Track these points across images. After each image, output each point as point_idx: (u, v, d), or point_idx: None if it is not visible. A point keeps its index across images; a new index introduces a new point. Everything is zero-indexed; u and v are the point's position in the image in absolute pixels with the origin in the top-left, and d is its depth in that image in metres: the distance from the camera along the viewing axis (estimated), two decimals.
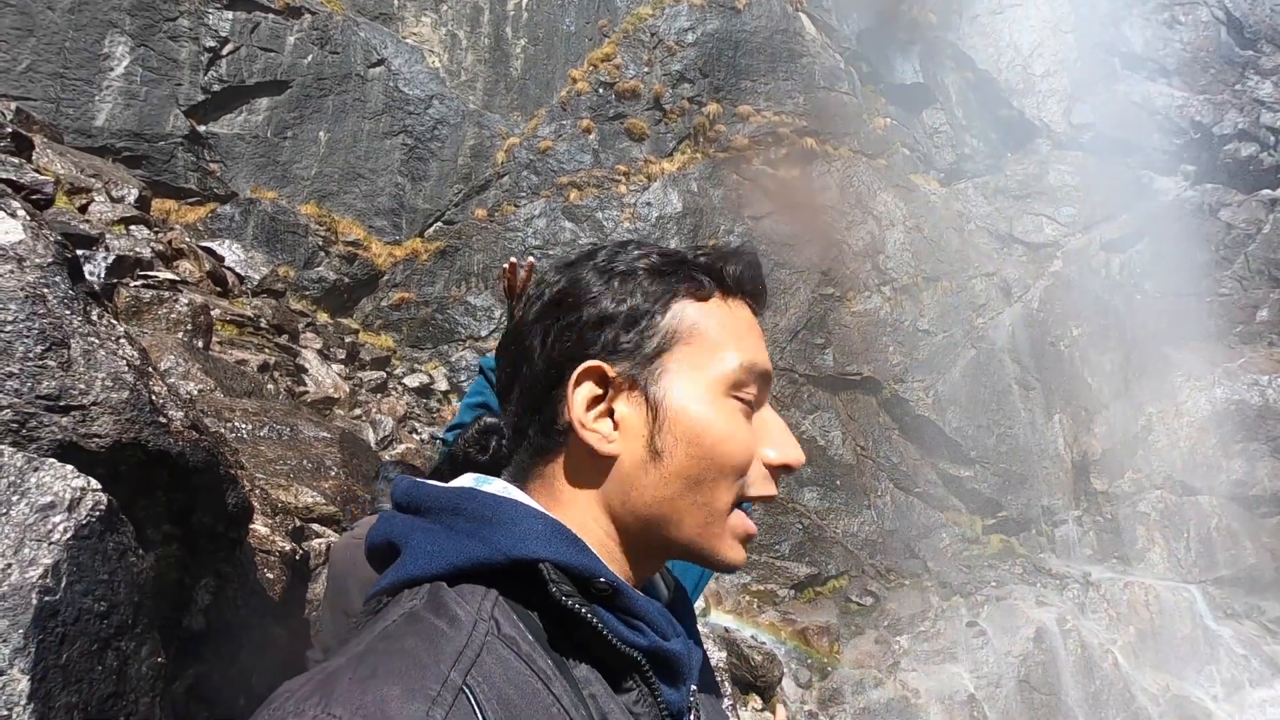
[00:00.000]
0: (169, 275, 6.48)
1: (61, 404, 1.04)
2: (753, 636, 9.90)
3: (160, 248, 8.55)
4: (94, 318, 1.17)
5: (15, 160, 2.19)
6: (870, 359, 13.16)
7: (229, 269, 10.78)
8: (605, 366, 0.63)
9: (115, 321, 1.24)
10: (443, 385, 11.88)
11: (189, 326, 5.51)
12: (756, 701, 9.60)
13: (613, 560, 0.64)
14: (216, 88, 13.33)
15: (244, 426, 4.14)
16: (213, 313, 7.06)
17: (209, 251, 10.67)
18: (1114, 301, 14.05)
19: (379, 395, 10.35)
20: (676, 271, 0.65)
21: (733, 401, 0.63)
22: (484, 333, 12.62)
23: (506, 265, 1.44)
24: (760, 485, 0.64)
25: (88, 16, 13.11)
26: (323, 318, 12.10)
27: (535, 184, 13.58)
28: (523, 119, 14.31)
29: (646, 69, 14.44)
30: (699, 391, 0.63)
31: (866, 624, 10.99)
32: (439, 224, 13.61)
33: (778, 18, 15.05)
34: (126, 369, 1.14)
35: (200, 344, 5.62)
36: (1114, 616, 11.34)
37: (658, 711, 0.59)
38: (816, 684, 10.37)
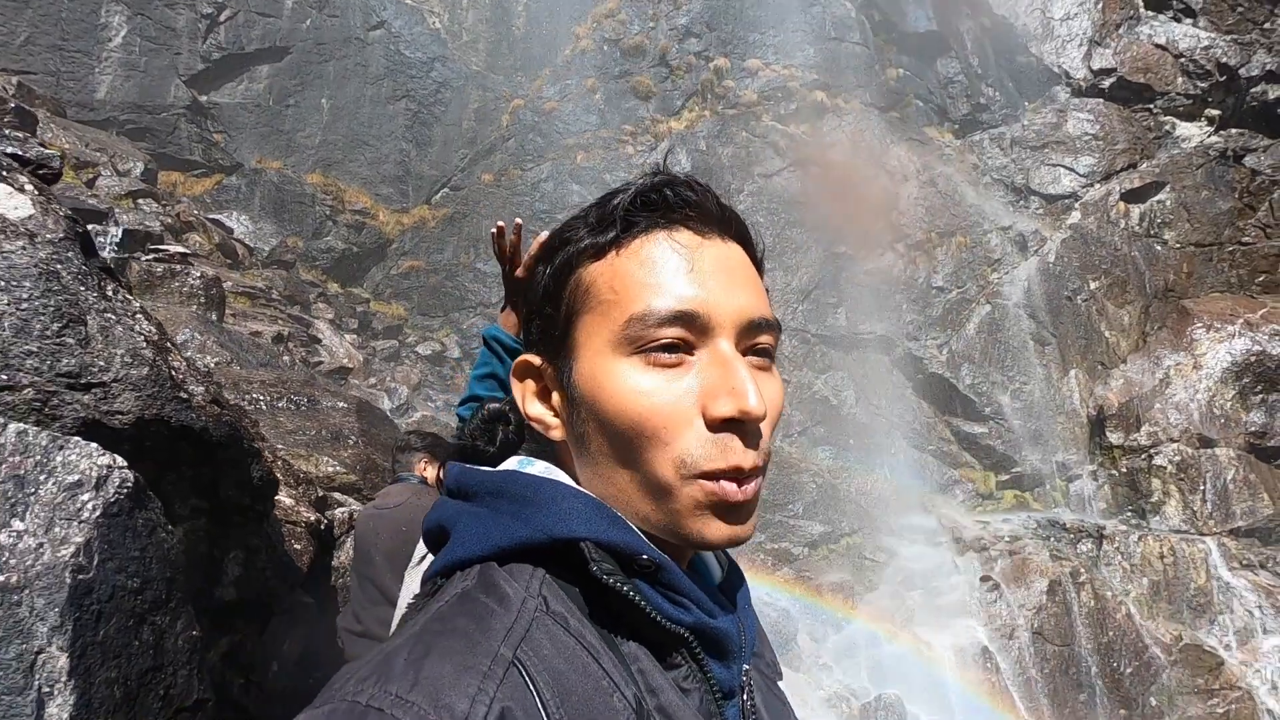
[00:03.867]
0: (180, 249, 6.47)
1: (82, 381, 1.03)
2: (767, 593, 10.05)
3: (169, 221, 8.55)
4: (109, 293, 1.15)
5: (20, 134, 2.15)
6: (883, 317, 13.04)
7: (238, 240, 10.78)
8: (530, 358, 0.63)
9: (130, 296, 1.23)
10: (455, 353, 11.91)
11: (202, 300, 5.53)
12: None
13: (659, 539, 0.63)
14: (216, 56, 13.14)
15: (262, 398, 4.17)
16: (225, 285, 7.07)
17: (217, 223, 10.65)
18: (1133, 253, 13.79)
19: (392, 364, 10.40)
20: (582, 236, 0.62)
21: (635, 359, 0.57)
22: (494, 299, 12.60)
23: (495, 229, 1.41)
24: (710, 456, 0.55)
25: None
26: (333, 287, 12.10)
27: (541, 146, 13.38)
28: (527, 80, 14.04)
29: (652, 24, 14.07)
30: (595, 360, 0.58)
31: (880, 580, 11.11)
32: (446, 190, 13.48)
33: None
34: (145, 344, 1.13)
35: (214, 317, 5.64)
36: (1128, 569, 11.39)
37: (708, 688, 0.59)
38: (831, 638, 10.54)
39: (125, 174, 9.33)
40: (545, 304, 0.62)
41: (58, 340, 1.02)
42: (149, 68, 12.85)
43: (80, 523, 0.87)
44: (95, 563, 0.87)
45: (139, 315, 1.17)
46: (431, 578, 0.60)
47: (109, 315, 1.08)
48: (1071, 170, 14.34)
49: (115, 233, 5.49)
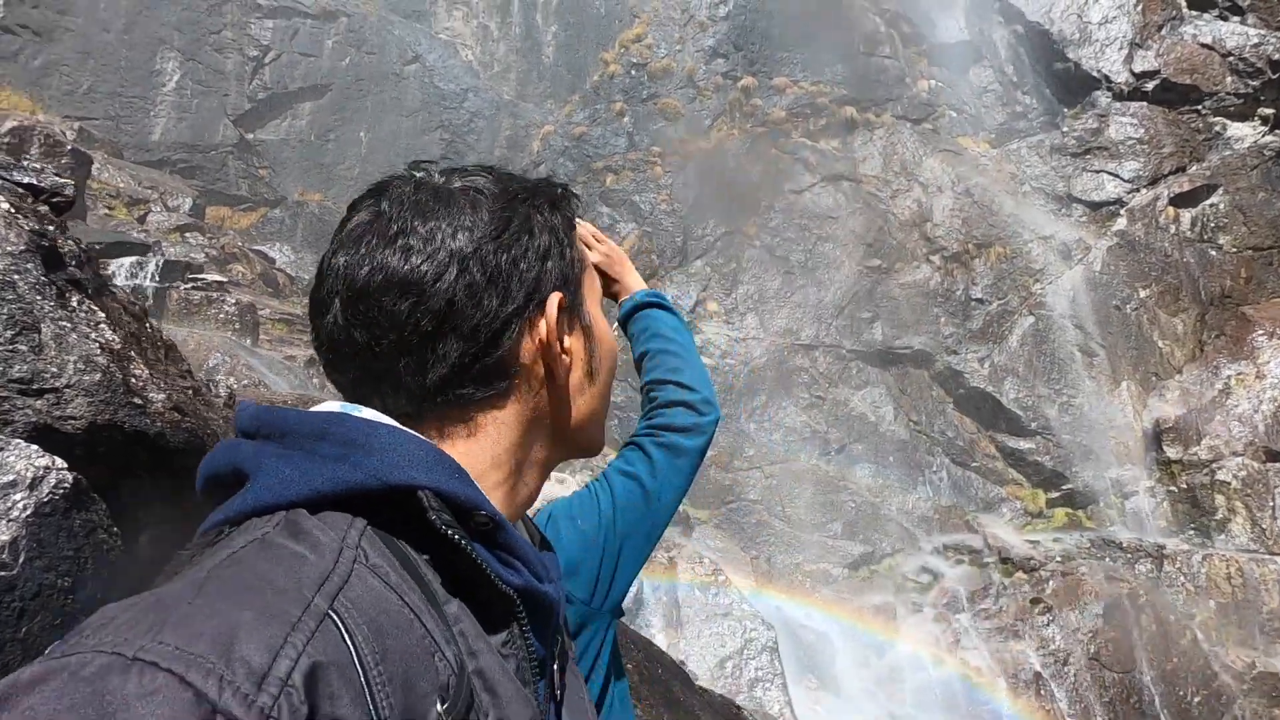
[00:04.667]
0: (217, 277, 6.76)
1: (34, 387, 1.07)
2: (805, 615, 9.80)
3: (214, 252, 8.92)
4: (73, 304, 1.20)
5: (37, 165, 2.28)
6: (921, 331, 12.77)
7: (280, 270, 11.18)
8: (564, 298, 0.64)
9: (96, 308, 1.28)
10: None
11: (237, 325, 5.76)
12: (812, 680, 9.50)
13: (510, 493, 0.63)
14: (261, 95, 13.77)
15: None
16: (263, 312, 7.34)
17: (260, 254, 11.07)
18: (1185, 259, 13.24)
19: None
20: (560, 201, 0.68)
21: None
22: None
23: None
24: None
25: (139, 35, 13.67)
26: None
27: (571, 170, 13.59)
28: (556, 106, 14.32)
29: (678, 47, 14.23)
30: (598, 310, 0.69)
31: (924, 602, 10.74)
32: None
33: None
34: (99, 351, 1.17)
35: (248, 341, 5.87)
36: (1192, 591, 10.79)
37: (526, 655, 0.57)
38: (874, 663, 10.20)
39: (174, 209, 9.80)
40: (568, 247, 0.65)
41: (10, 347, 1.06)
42: (200, 109, 13.53)
43: (8, 521, 0.90)
44: (21, 560, 0.89)
45: (102, 325, 1.22)
46: (217, 525, 0.52)
47: (64, 324, 1.13)
48: (1116, 176, 13.90)
49: (158, 263, 5.76)
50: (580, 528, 1.08)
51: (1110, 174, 13.93)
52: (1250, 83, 13.97)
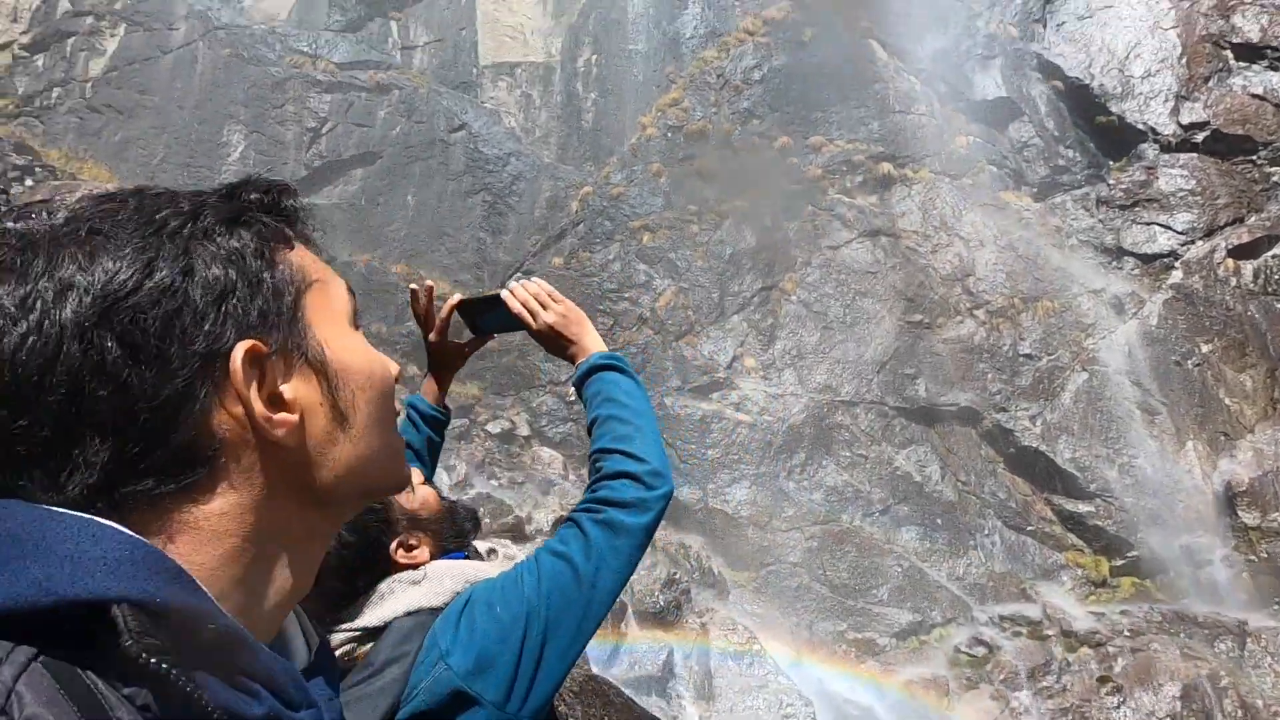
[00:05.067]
0: None
1: None
2: (849, 688, 9.24)
3: None
4: None
5: None
6: (967, 388, 12.36)
7: None
8: (258, 344, 0.49)
9: None
10: (524, 430, 12.09)
11: None
12: None
13: (255, 592, 0.49)
14: (317, 163, 14.54)
15: None
16: None
17: None
18: (1249, 313, 12.62)
19: (461, 442, 10.65)
20: (247, 211, 0.53)
21: (359, 332, 0.59)
22: (563, 377, 12.81)
23: (410, 290, 1.41)
24: None
25: (210, 110, 14.67)
26: (411, 369, 12.70)
27: (609, 229, 13.84)
28: (595, 168, 14.73)
29: (714, 109, 14.57)
30: (342, 334, 0.57)
31: (979, 677, 10.04)
32: (519, 274, 14.10)
33: (846, 46, 14.89)
34: None
35: None
36: None
37: None
38: None
39: None
40: (263, 273, 0.51)
41: None
42: None
43: None
44: None
45: None
46: None
47: None
48: (1168, 228, 13.48)
49: None
50: (498, 615, 0.95)
51: (1162, 226, 13.52)
52: None
